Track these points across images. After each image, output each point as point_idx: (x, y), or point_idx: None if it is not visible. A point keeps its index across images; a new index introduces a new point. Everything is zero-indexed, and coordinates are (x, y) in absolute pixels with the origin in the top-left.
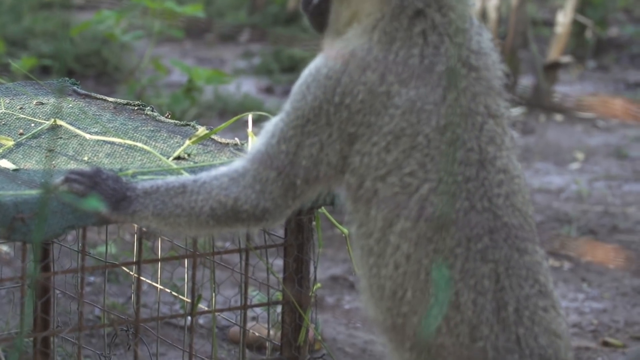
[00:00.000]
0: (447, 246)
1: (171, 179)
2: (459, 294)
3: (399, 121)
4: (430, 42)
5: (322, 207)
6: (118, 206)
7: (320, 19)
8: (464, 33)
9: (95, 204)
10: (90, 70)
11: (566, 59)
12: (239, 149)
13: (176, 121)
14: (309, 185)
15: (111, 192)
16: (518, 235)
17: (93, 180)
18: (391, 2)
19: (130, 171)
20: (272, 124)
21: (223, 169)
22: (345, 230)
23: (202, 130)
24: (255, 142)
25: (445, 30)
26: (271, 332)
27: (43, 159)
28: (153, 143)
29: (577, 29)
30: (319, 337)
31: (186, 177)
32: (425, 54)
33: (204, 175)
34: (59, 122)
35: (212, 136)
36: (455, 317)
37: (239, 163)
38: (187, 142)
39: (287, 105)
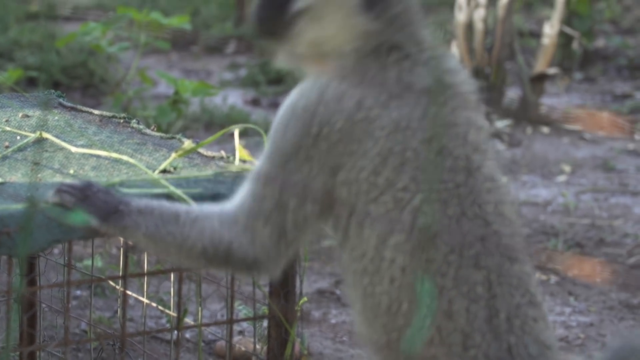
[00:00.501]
0: (441, 253)
1: (165, 203)
2: (451, 302)
3: (385, 142)
4: (404, 67)
5: None
6: (108, 218)
7: (278, 26)
8: (436, 59)
9: (82, 218)
10: (76, 82)
11: (553, 70)
12: (225, 162)
13: (162, 134)
14: (298, 230)
15: (102, 205)
16: (508, 244)
17: (84, 193)
18: (369, 36)
19: (116, 180)
20: (257, 167)
21: (216, 209)
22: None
23: (188, 144)
24: (243, 188)
25: (418, 59)
26: (257, 347)
27: (29, 172)
28: (139, 156)
29: (564, 40)
30: (305, 352)
31: (179, 205)
32: (402, 76)
33: (196, 210)
34: (45, 135)
35: (199, 149)
36: (448, 326)
37: (230, 207)
38: (173, 155)
39: (268, 146)
